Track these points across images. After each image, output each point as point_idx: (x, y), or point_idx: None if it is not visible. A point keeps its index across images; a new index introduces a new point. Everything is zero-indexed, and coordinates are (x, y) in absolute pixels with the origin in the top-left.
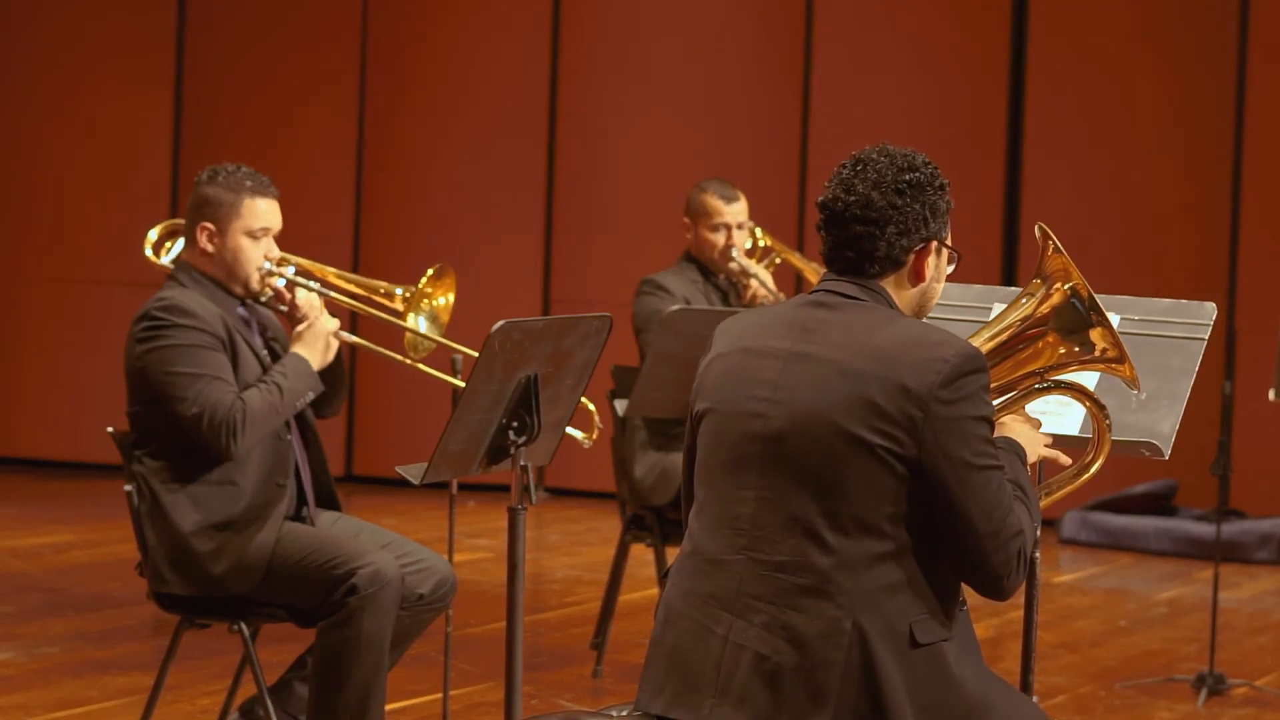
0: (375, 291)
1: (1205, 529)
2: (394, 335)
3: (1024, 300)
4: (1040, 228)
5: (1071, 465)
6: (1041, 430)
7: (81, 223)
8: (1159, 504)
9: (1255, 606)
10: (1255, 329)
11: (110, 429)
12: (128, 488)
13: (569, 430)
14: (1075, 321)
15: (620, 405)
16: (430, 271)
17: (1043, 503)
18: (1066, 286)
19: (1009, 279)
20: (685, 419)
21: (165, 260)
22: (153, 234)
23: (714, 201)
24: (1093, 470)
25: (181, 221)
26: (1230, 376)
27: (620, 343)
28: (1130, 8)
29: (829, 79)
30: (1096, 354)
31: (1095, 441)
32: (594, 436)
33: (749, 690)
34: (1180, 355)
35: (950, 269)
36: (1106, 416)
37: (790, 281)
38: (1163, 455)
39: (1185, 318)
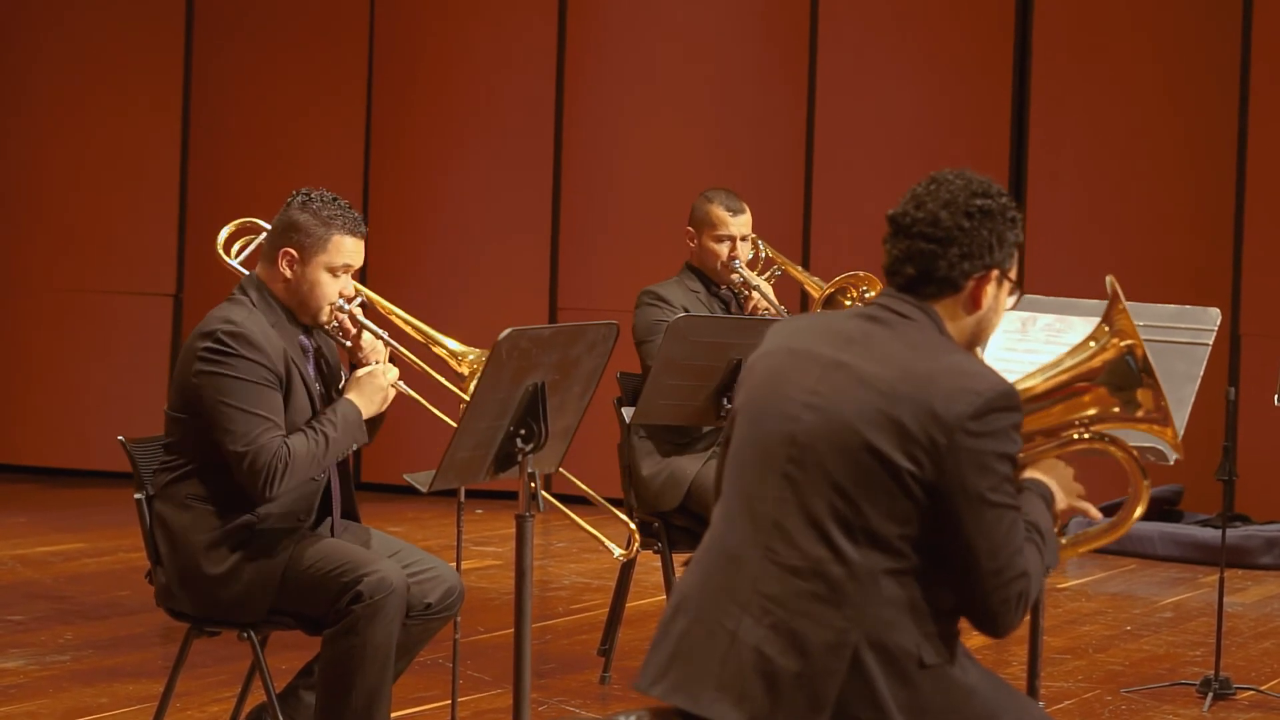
0: (441, 345)
1: (1210, 534)
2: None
3: (1091, 344)
4: (1111, 283)
5: (1105, 522)
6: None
7: (89, 232)
8: (1164, 509)
9: (1261, 611)
10: (1260, 334)
11: (120, 438)
12: (138, 495)
13: (608, 543)
14: (1126, 379)
15: (627, 412)
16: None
17: (1068, 553)
18: (1125, 344)
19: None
20: (692, 426)
21: (235, 261)
22: (224, 232)
23: (720, 213)
24: (1128, 525)
25: (254, 222)
26: (1235, 382)
27: (627, 350)
28: (1134, 13)
29: (833, 84)
30: (1141, 414)
31: (1131, 498)
32: (632, 554)
33: (749, 689)
34: (1185, 360)
35: (1011, 302)
36: (1145, 475)
37: (790, 294)
38: (1168, 460)
39: (1190, 323)
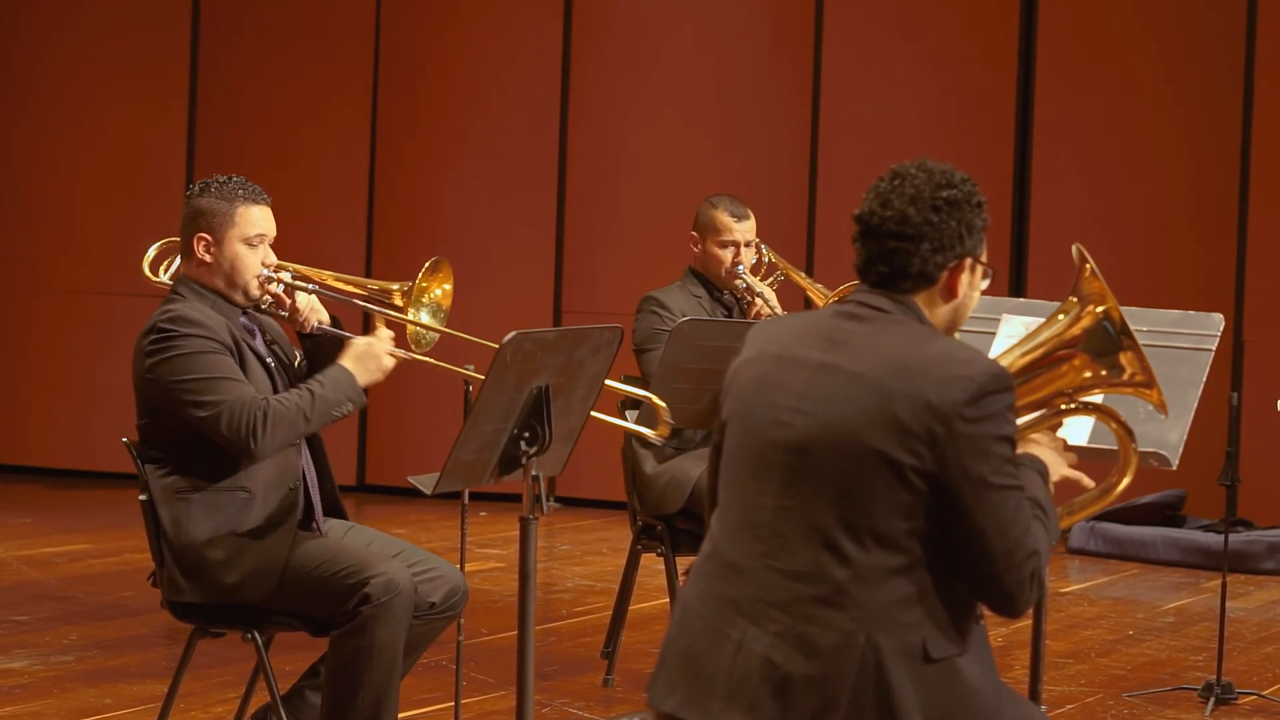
0: (371, 289)
1: (1213, 539)
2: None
3: (1060, 318)
4: (1078, 249)
5: (1095, 487)
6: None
7: (94, 233)
8: (1166, 514)
9: (1263, 616)
10: (1263, 339)
11: (125, 439)
12: (142, 497)
13: (642, 430)
14: (1105, 345)
15: (631, 415)
16: (426, 265)
17: (1064, 522)
18: (1099, 309)
19: (1017, 289)
20: (695, 429)
21: (164, 277)
22: (150, 252)
23: (724, 218)
24: (1117, 491)
25: (177, 240)
26: (1238, 387)
27: (631, 353)
28: (1139, 17)
29: (838, 87)
30: (1125, 378)
31: (1120, 462)
32: (664, 432)
33: (759, 697)
34: (1188, 366)
35: (985, 285)
36: (1133, 439)
37: (794, 300)
38: (1170, 465)
39: (1193, 329)
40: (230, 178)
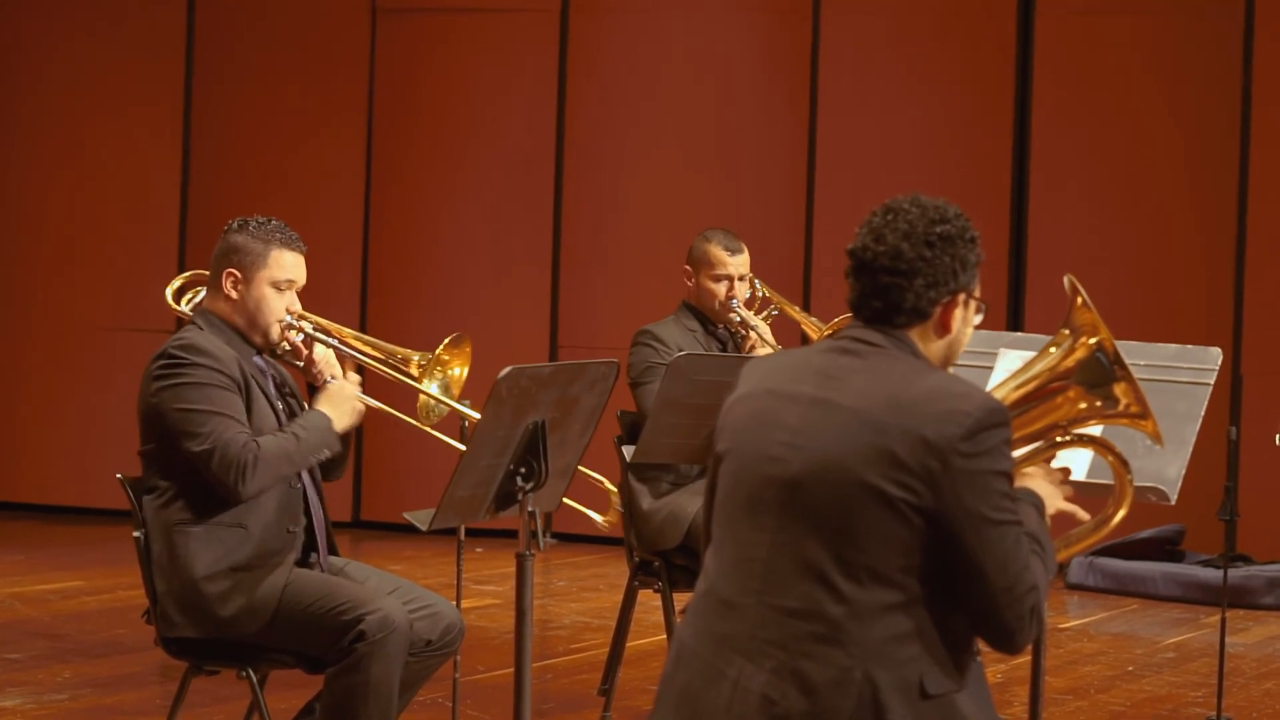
0: (392, 355)
1: (1212, 574)
2: (406, 400)
3: (1052, 350)
4: (1070, 280)
5: (1092, 519)
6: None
7: (89, 267)
8: (1166, 549)
9: (1262, 651)
10: (1261, 373)
11: (119, 475)
12: (136, 534)
13: (586, 511)
14: (1099, 376)
15: (627, 451)
16: (447, 340)
17: (1062, 555)
18: (1092, 341)
19: (1014, 322)
20: (692, 464)
21: (185, 307)
22: (175, 282)
23: (718, 252)
24: (1113, 523)
25: (204, 273)
26: (1236, 421)
27: (627, 388)
28: (1136, 48)
29: (835, 119)
30: (1120, 409)
31: (1116, 494)
32: (613, 519)
33: None
34: (1186, 400)
35: (978, 319)
36: (1129, 471)
37: (788, 333)
38: (1169, 500)
39: (1191, 363)
40: (269, 220)
